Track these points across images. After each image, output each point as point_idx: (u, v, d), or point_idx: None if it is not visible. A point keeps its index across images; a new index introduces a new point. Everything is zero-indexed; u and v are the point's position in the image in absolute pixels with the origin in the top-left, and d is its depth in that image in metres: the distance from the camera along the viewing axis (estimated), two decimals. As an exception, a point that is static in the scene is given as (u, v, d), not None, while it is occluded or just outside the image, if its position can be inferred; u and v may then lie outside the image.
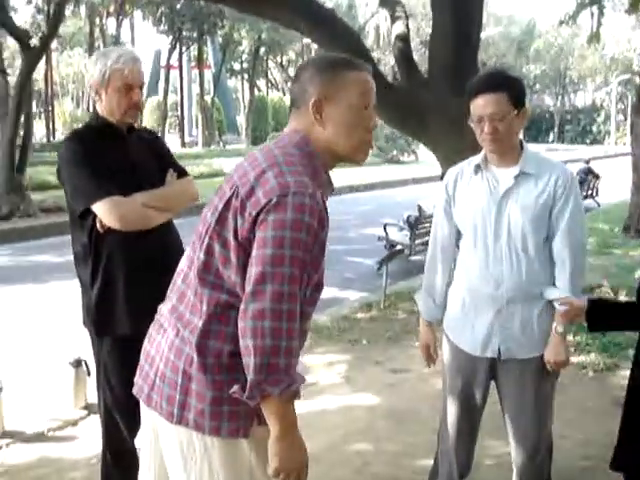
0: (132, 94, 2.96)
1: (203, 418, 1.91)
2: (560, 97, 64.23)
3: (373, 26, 37.15)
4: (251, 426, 1.95)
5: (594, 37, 13.31)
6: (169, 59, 40.25)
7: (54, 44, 35.62)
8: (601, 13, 12.58)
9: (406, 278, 8.98)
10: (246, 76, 47.51)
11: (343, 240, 12.22)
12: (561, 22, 13.64)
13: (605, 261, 9.65)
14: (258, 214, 1.83)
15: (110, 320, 2.98)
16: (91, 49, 35.51)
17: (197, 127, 44.26)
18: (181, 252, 2.65)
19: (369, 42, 34.64)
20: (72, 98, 52.29)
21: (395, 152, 34.35)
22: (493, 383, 3.03)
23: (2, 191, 14.23)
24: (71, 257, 3.09)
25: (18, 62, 18.03)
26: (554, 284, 2.82)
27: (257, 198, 1.85)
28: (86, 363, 4.50)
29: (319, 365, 5.61)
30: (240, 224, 1.87)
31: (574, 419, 4.46)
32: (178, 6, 33.31)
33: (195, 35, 38.05)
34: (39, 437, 4.31)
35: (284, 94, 47.46)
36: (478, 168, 2.90)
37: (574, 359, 5.37)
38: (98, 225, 2.88)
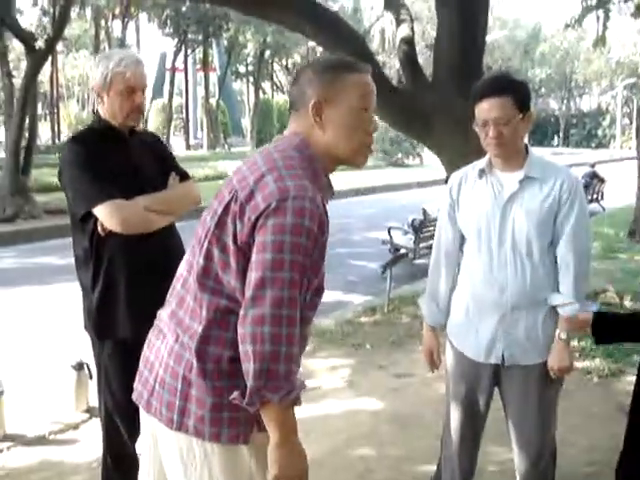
0: (134, 97, 2.95)
1: (203, 424, 1.89)
2: (565, 101, 64.19)
3: (378, 29, 37.11)
4: (251, 432, 1.93)
5: (600, 41, 13.27)
6: (174, 62, 40.31)
7: (60, 46, 35.71)
8: (607, 17, 12.54)
9: (410, 282, 8.96)
10: (251, 79, 47.47)
11: (347, 243, 12.22)
12: (567, 26, 13.60)
13: (610, 266, 9.62)
14: (257, 218, 1.81)
15: (111, 324, 2.97)
16: (96, 51, 35.49)
17: (202, 130, 44.29)
18: (183, 255, 2.62)
19: (374, 45, 34.61)
20: (77, 100, 52.35)
21: (400, 155, 34.33)
22: (496, 389, 3.01)
23: (7, 193, 14.25)
24: (75, 259, 3.08)
25: (24, 64, 18.02)
26: (558, 289, 2.80)
27: (256, 202, 1.83)
28: (88, 366, 4.49)
29: (322, 369, 5.59)
30: (239, 229, 1.85)
31: (579, 425, 4.43)
32: (183, 9, 33.34)
33: (200, 38, 38.13)
34: (40, 440, 4.29)
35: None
36: (482, 172, 2.88)
37: (579, 364, 5.35)
38: (99, 228, 2.86)
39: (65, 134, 37.19)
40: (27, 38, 14.25)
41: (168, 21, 35.54)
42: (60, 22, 14.93)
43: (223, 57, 43.23)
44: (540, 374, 2.86)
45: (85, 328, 3.11)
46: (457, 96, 5.72)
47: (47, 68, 30.88)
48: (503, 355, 2.86)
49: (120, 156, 2.97)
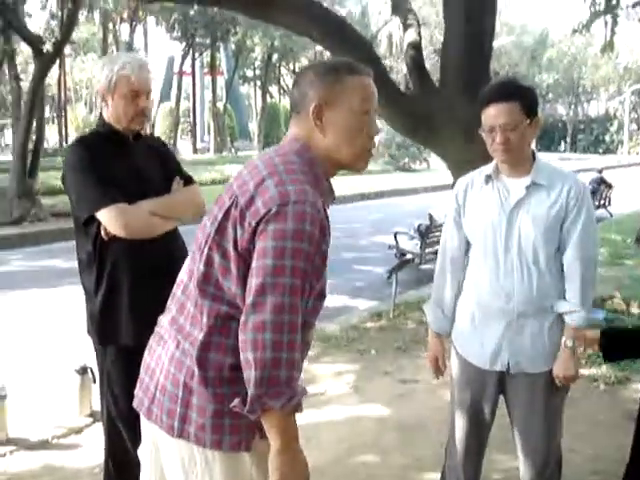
0: (138, 101, 2.94)
1: (204, 432, 1.87)
2: (573, 106, 64.08)
3: (386, 34, 37.13)
4: (253, 439, 1.91)
5: (608, 46, 13.22)
6: (182, 65, 40.46)
7: (68, 50, 35.89)
8: (615, 22, 12.49)
9: (416, 287, 8.94)
10: (258, 83, 47.61)
11: (353, 248, 12.20)
12: (574, 31, 13.56)
13: (617, 272, 9.57)
14: (258, 224, 1.79)
15: (114, 329, 2.95)
16: (104, 55, 35.67)
17: (209, 133, 44.39)
18: (186, 260, 2.62)
19: (381, 50, 34.63)
20: (85, 104, 52.49)
21: (407, 160, 34.34)
22: (501, 397, 2.99)
23: (14, 195, 14.29)
24: (81, 262, 3.07)
25: (32, 67, 18.08)
26: (565, 297, 2.78)
27: (257, 208, 1.81)
28: (92, 370, 4.47)
29: (327, 374, 5.56)
30: (240, 234, 1.83)
31: (584, 433, 4.39)
32: (191, 12, 33.42)
33: (208, 42, 38.24)
34: (43, 445, 4.28)
35: (296, 101, 47.33)
36: (489, 178, 2.86)
37: (585, 372, 5.31)
38: (103, 233, 2.85)
39: (72, 137, 37.30)
40: (35, 41, 14.29)
41: (176, 25, 35.68)
42: (68, 25, 14.96)
43: (230, 61, 43.35)
44: (546, 382, 2.83)
45: (88, 333, 3.09)
46: (464, 101, 5.71)
47: (55, 71, 31.04)
48: (508, 363, 2.83)
49: (124, 160, 2.96)
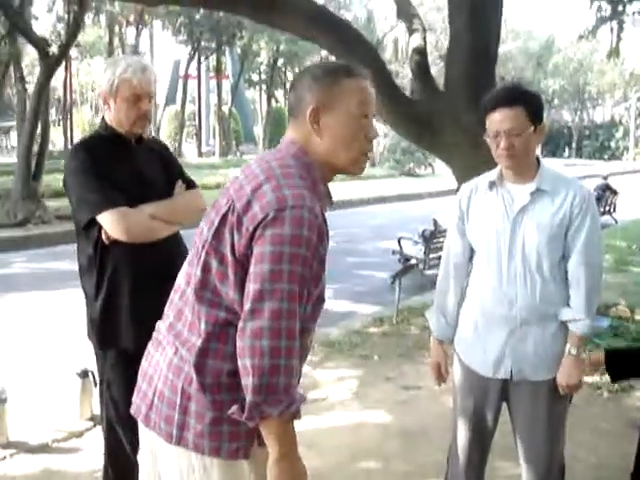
0: (141, 104, 2.92)
1: (202, 439, 1.85)
2: (579, 112, 63.99)
3: (392, 39, 37.18)
4: (251, 447, 1.90)
5: (613, 52, 13.21)
6: (187, 69, 40.51)
7: (74, 53, 35.97)
8: (621, 28, 12.48)
9: (420, 293, 8.90)
10: (264, 87, 47.69)
11: (357, 253, 12.19)
12: (580, 37, 13.56)
13: (622, 279, 9.55)
14: (255, 229, 1.77)
15: (114, 333, 2.94)
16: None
17: (214, 137, 44.47)
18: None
19: (387, 55, 34.66)
20: (91, 106, 52.64)
21: (412, 165, 34.35)
22: (504, 404, 2.96)
23: (18, 198, 14.31)
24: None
25: (37, 70, 18.12)
26: (569, 304, 2.76)
27: (254, 213, 1.79)
28: (93, 374, 4.45)
29: (329, 380, 5.54)
30: (237, 240, 1.81)
31: (588, 441, 4.37)
32: (197, 16, 33.50)
33: (214, 45, 38.29)
34: (43, 448, 4.26)
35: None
36: (493, 184, 2.84)
37: (588, 379, 5.27)
38: (103, 236, 2.84)
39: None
40: (40, 43, 14.30)
41: (182, 28, 35.74)
42: (74, 28, 14.99)
43: (236, 65, 43.41)
44: (549, 390, 2.81)
45: (88, 337, 3.08)
46: (468, 106, 5.69)
47: (61, 74, 31.08)
48: (511, 370, 2.81)
49: (126, 163, 2.95)
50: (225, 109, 42.86)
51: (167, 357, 1.94)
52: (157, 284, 2.78)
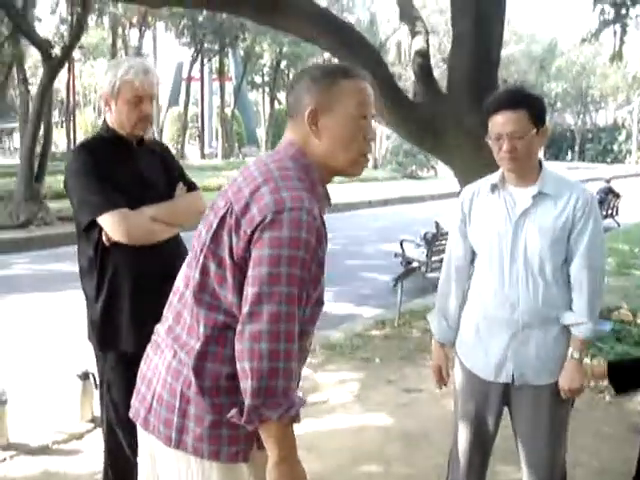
0: (142, 106, 2.91)
1: (202, 442, 1.84)
2: (581, 115, 64.00)
3: (395, 42, 37.17)
4: (251, 450, 1.89)
5: (616, 55, 13.19)
6: (190, 71, 40.56)
7: (77, 54, 35.96)
8: (624, 31, 12.46)
9: (422, 295, 8.89)
10: (267, 89, 47.72)
11: (359, 255, 12.18)
12: (583, 40, 13.55)
13: (624, 282, 9.52)
14: (253, 232, 1.76)
15: (114, 335, 2.93)
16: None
17: (217, 139, 44.50)
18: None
19: (390, 58, 34.66)
20: (94, 108, 52.62)
21: (414, 167, 34.34)
22: (505, 408, 2.95)
23: (21, 199, 14.32)
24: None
25: (41, 71, 18.14)
26: (571, 307, 2.74)
27: (252, 215, 1.77)
28: (94, 376, 4.43)
29: (330, 383, 5.53)
30: (235, 242, 1.80)
31: (589, 445, 4.35)
32: (200, 18, 33.53)
33: (217, 47, 38.33)
34: (44, 450, 4.25)
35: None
36: (495, 187, 2.83)
37: (591, 382, 5.26)
38: (104, 238, 2.83)
39: (80, 141, 37.40)
40: (43, 45, 14.33)
41: (185, 31, 35.78)
42: (77, 30, 15.00)
43: (239, 67, 43.45)
44: (551, 394, 2.79)
45: (89, 338, 3.07)
46: (471, 109, 5.68)
47: (64, 76, 31.09)
48: (513, 374, 2.80)
49: (127, 165, 2.94)
50: (228, 111, 42.91)
51: (166, 360, 1.93)
52: (157, 286, 2.77)
